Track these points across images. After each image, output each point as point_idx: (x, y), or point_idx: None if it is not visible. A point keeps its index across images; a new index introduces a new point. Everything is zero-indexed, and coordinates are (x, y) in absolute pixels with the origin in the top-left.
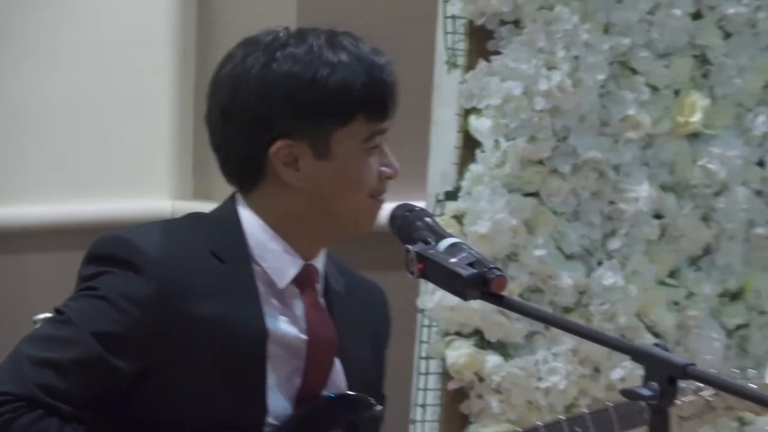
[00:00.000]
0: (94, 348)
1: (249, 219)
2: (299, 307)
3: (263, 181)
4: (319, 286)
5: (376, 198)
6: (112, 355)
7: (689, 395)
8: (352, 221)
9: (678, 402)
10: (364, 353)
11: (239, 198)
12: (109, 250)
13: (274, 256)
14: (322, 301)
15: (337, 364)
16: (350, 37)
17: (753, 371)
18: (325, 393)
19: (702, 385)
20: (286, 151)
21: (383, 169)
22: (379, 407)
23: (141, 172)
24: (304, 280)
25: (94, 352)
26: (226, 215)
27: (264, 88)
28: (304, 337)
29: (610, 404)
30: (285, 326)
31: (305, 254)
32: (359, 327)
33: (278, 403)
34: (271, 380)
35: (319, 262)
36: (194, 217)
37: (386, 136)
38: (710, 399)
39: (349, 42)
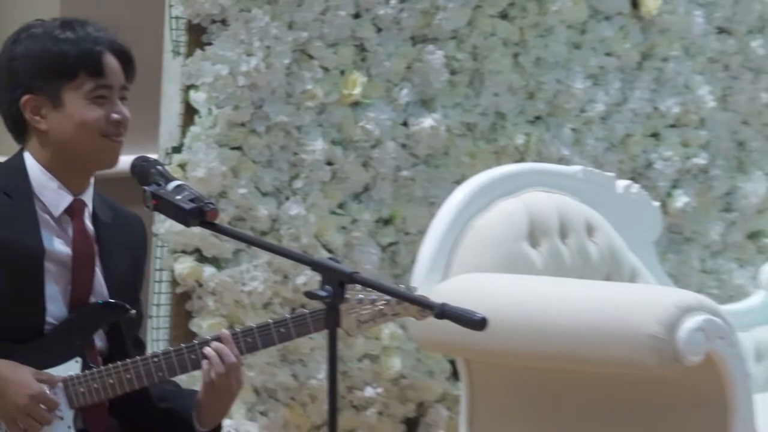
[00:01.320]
0: None
1: (30, 163)
2: (71, 231)
3: (28, 133)
4: (88, 216)
5: (110, 138)
6: None
7: (367, 305)
8: (92, 158)
9: (357, 308)
10: (125, 268)
11: (25, 148)
12: None
13: (50, 192)
14: (90, 227)
15: (101, 277)
16: (80, 21)
17: (414, 286)
18: (93, 300)
19: (376, 296)
20: (31, 104)
21: (112, 115)
22: (132, 311)
23: None
24: (74, 211)
25: None
26: (15, 162)
27: (10, 61)
28: (71, 253)
29: (288, 316)
30: (59, 246)
31: (74, 190)
32: (121, 248)
33: (57, 308)
34: (51, 290)
35: (87, 197)
36: None
37: (127, 92)
38: (382, 307)
39: (78, 24)
